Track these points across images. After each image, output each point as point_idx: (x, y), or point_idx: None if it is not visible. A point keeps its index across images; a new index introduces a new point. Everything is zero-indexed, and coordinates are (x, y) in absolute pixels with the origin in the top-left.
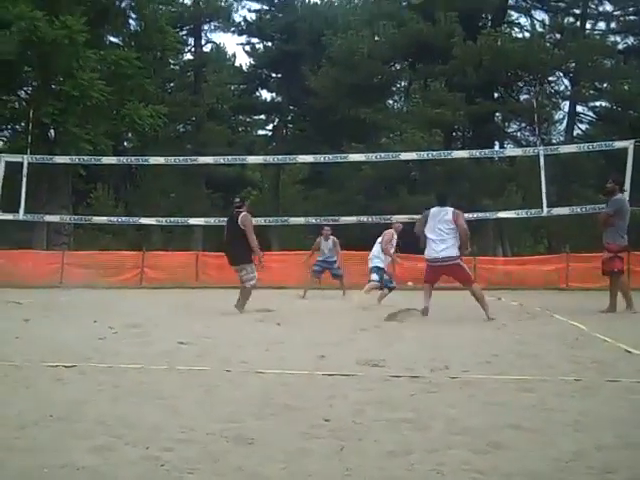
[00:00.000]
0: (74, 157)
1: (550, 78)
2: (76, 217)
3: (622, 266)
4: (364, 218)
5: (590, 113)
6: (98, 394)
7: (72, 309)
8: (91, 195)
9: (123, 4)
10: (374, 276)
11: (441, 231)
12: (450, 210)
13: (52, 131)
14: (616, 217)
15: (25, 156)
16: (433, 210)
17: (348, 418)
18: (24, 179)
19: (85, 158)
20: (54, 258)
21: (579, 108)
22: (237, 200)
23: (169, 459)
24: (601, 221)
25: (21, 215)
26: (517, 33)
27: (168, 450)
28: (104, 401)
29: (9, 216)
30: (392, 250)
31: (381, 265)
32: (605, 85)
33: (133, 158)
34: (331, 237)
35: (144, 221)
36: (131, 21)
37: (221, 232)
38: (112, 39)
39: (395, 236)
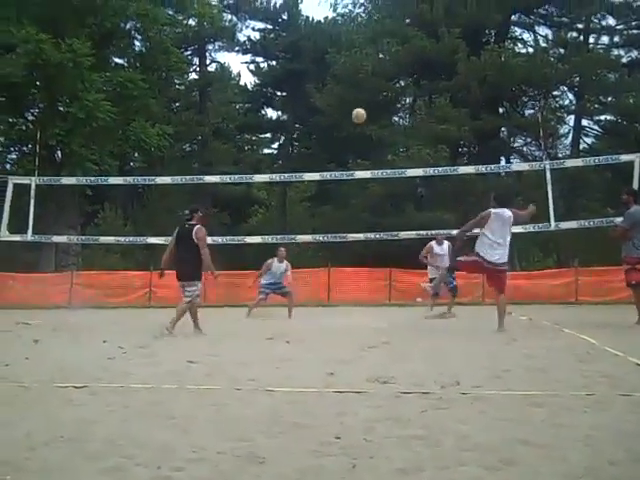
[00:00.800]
0: (81, 178)
1: (555, 92)
2: (84, 237)
3: (639, 278)
4: (371, 235)
5: (595, 127)
6: (108, 414)
7: (81, 329)
8: (98, 215)
9: (128, 26)
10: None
11: (506, 235)
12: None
13: (59, 152)
14: (632, 230)
15: (33, 178)
16: (498, 211)
17: (359, 435)
18: (32, 200)
19: (92, 178)
20: (62, 279)
21: (584, 122)
22: (187, 212)
23: (180, 478)
24: (618, 235)
25: (29, 236)
26: (521, 48)
27: (179, 470)
28: (115, 421)
29: (17, 237)
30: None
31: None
32: (610, 99)
33: (140, 178)
34: (285, 260)
35: (151, 240)
36: (136, 42)
37: (229, 251)
38: (117, 60)
39: (434, 247)
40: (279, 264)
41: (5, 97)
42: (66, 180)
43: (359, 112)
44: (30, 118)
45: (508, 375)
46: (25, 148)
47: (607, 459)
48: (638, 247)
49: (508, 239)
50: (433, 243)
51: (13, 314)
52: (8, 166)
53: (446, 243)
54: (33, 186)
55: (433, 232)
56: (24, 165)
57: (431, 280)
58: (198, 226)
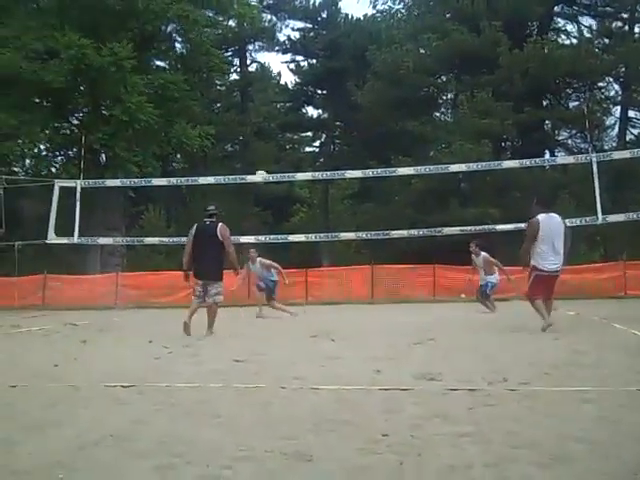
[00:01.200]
0: (125, 180)
1: (600, 84)
2: (128, 239)
3: None
4: (414, 231)
5: None
6: (156, 414)
7: (127, 330)
8: (142, 216)
9: (169, 28)
10: None
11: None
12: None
13: (103, 155)
14: None
15: (78, 181)
16: (545, 217)
17: (406, 433)
18: (77, 203)
19: (135, 180)
20: (108, 280)
21: (631, 113)
22: (211, 207)
23: (229, 477)
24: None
25: (75, 239)
26: (564, 40)
27: (227, 468)
28: (162, 420)
29: (64, 240)
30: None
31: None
32: None
33: (183, 179)
34: (258, 259)
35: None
36: (177, 44)
37: (272, 250)
38: (159, 63)
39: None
40: (253, 265)
41: (50, 102)
42: (110, 182)
43: None
44: (75, 122)
45: (557, 371)
46: (70, 152)
47: None
48: None
49: (560, 245)
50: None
51: (61, 315)
52: (54, 170)
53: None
54: (78, 189)
55: (477, 228)
56: (69, 169)
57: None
58: (221, 223)
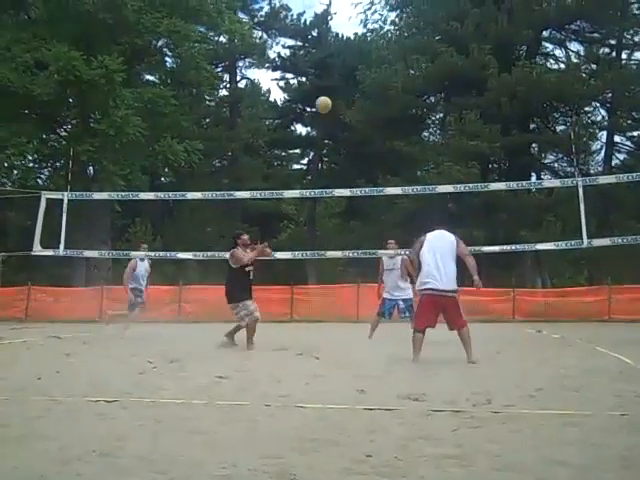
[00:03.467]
0: (112, 193)
1: (586, 108)
2: (114, 252)
3: None
4: (401, 251)
5: (628, 143)
6: (140, 429)
7: (111, 343)
8: (129, 230)
9: (159, 43)
10: None
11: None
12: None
13: (91, 168)
14: None
15: (65, 193)
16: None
17: (390, 453)
18: (64, 215)
19: (123, 193)
20: (93, 293)
21: (617, 138)
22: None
23: None
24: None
25: (61, 251)
26: (552, 64)
27: None
28: (146, 436)
29: (49, 252)
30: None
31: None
32: None
33: (170, 193)
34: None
35: (181, 255)
36: (167, 59)
37: (259, 266)
38: (148, 77)
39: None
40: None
41: (38, 114)
42: (98, 195)
43: (323, 101)
44: (63, 134)
45: (541, 394)
46: (58, 164)
47: None
48: None
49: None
50: (385, 257)
51: (44, 328)
52: (41, 181)
53: (399, 257)
54: (65, 201)
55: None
56: (56, 181)
57: (384, 301)
58: (232, 250)
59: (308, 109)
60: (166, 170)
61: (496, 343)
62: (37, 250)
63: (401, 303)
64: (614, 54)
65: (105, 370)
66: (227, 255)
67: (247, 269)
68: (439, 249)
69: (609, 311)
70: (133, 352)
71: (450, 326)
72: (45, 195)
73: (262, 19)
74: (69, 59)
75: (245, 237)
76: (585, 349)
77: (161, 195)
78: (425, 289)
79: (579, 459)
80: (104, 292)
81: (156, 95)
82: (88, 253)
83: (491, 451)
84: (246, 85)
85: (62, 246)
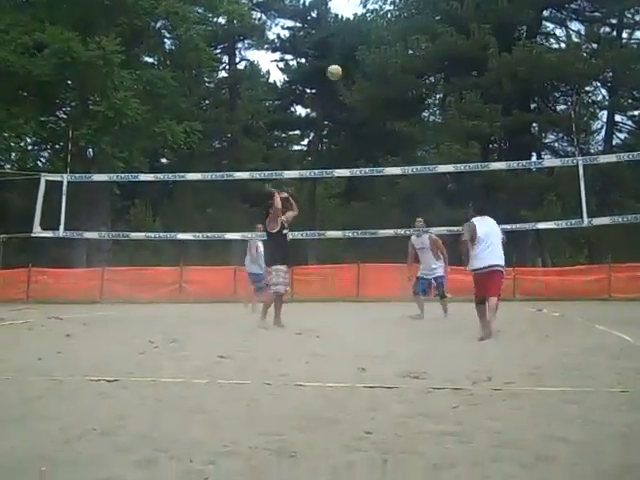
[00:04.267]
0: (112, 175)
1: (587, 88)
2: (114, 233)
3: None
4: (401, 231)
5: (629, 122)
6: (141, 408)
7: (112, 324)
8: (129, 212)
9: (158, 24)
10: None
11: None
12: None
13: (90, 150)
14: None
15: (65, 175)
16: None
17: (390, 431)
18: (64, 197)
19: (123, 175)
20: (94, 274)
21: (617, 117)
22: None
23: (212, 472)
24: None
25: (61, 232)
26: (553, 44)
27: (211, 463)
28: (147, 415)
29: (49, 233)
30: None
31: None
32: None
33: (170, 175)
34: None
35: (181, 236)
36: (166, 40)
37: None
38: (147, 59)
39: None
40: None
41: (37, 96)
42: (97, 177)
43: (334, 69)
44: (62, 116)
45: (541, 372)
46: (57, 146)
47: None
48: None
49: (495, 241)
50: (413, 237)
51: (45, 309)
52: (40, 164)
53: (426, 235)
54: (65, 183)
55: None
56: (55, 163)
57: (419, 280)
58: (270, 215)
59: (308, 90)
60: (165, 151)
61: (497, 322)
62: (37, 232)
63: (434, 282)
64: (615, 33)
65: (106, 350)
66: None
67: (284, 232)
68: (489, 232)
69: (609, 289)
70: (134, 333)
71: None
72: (44, 177)
73: (261, 0)
74: (65, 40)
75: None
76: (585, 327)
77: (160, 176)
78: (480, 267)
79: (579, 436)
80: (104, 273)
81: (155, 77)
82: (88, 234)
83: (491, 428)
84: (245, 66)
85: (62, 227)
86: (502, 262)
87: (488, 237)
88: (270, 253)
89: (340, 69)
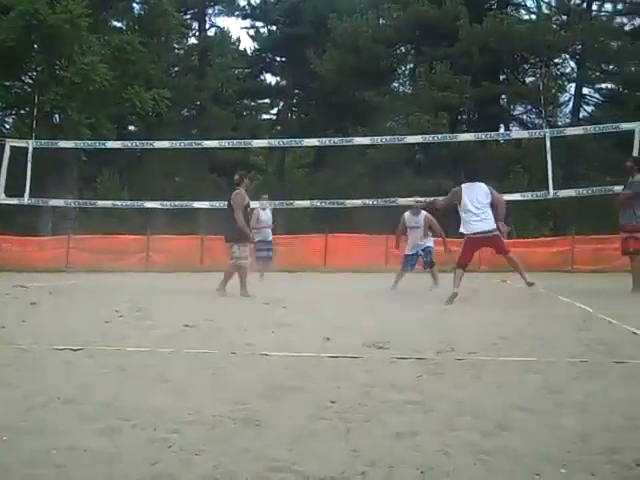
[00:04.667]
0: (79, 142)
1: (556, 60)
2: (81, 201)
3: (638, 246)
4: (369, 201)
5: (596, 95)
6: (105, 377)
7: (78, 293)
8: (97, 180)
9: None
10: None
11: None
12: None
13: (56, 116)
14: (635, 199)
15: (30, 141)
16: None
17: (354, 400)
18: (29, 164)
19: (90, 142)
20: (59, 242)
21: (585, 90)
22: (235, 177)
23: (176, 441)
24: (620, 202)
25: (26, 199)
26: (523, 15)
27: (175, 432)
28: (111, 384)
29: (14, 200)
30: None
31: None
32: (611, 67)
33: (138, 142)
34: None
35: (149, 205)
36: (135, 5)
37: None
38: (116, 23)
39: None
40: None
41: (1, 60)
42: (63, 144)
43: None
44: (27, 81)
45: (504, 342)
46: (22, 111)
47: (602, 425)
48: (638, 216)
49: (483, 207)
50: (407, 214)
51: (10, 277)
52: (5, 129)
53: (423, 214)
54: (30, 149)
55: (432, 199)
56: (21, 128)
57: (406, 257)
58: (237, 191)
59: (278, 58)
60: (134, 119)
61: (462, 292)
62: (1, 199)
63: (421, 252)
64: (585, 5)
65: (71, 319)
66: (197, 204)
67: (248, 209)
68: (476, 198)
69: (572, 261)
70: (100, 301)
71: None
72: (9, 143)
73: None
74: (31, 3)
75: (247, 180)
76: (549, 299)
77: (128, 144)
78: (471, 233)
79: (538, 404)
80: (71, 241)
81: (123, 42)
82: (54, 202)
83: (453, 397)
84: (215, 33)
85: (27, 195)
86: (492, 226)
87: (473, 203)
88: (233, 227)
89: None
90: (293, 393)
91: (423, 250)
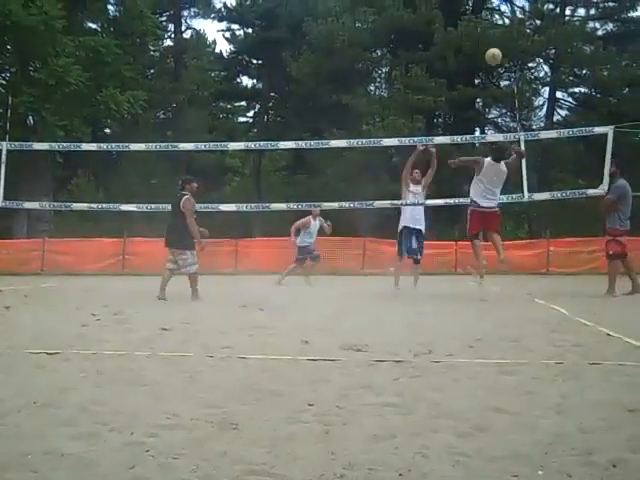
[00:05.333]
0: (54, 144)
1: (530, 64)
2: (56, 204)
3: (618, 249)
4: (345, 204)
5: (570, 99)
6: (82, 381)
7: (54, 296)
8: (72, 182)
9: None
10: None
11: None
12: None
13: (31, 118)
14: (619, 202)
15: (4, 143)
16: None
17: (332, 402)
18: (3, 166)
19: (65, 144)
20: (34, 245)
21: (559, 94)
22: (179, 182)
23: (154, 445)
24: (605, 206)
25: (0, 202)
26: (497, 20)
27: (153, 436)
28: (88, 388)
29: None
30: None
31: None
32: (585, 71)
33: (113, 144)
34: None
35: (125, 207)
36: (110, 6)
37: (203, 219)
38: (90, 25)
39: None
40: (315, 222)
41: None
42: (38, 146)
43: (493, 52)
44: (1, 82)
45: (480, 344)
46: None
47: (578, 427)
48: (622, 220)
49: (498, 193)
50: (310, 218)
51: None
52: None
53: (319, 220)
54: (4, 151)
55: (408, 202)
56: None
57: (297, 260)
58: (187, 196)
59: (254, 61)
60: (109, 121)
61: (438, 295)
62: None
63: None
64: (558, 10)
65: (47, 323)
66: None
67: (195, 217)
68: (493, 177)
69: (547, 264)
70: (76, 305)
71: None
72: None
73: None
74: (4, 3)
75: (195, 185)
76: (524, 301)
77: (104, 146)
78: (476, 207)
79: (514, 406)
80: (46, 244)
81: (98, 44)
82: (28, 205)
83: (430, 399)
84: (191, 35)
85: (1, 197)
86: (495, 204)
87: (490, 181)
88: (186, 234)
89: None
90: (271, 396)
91: (417, 237)
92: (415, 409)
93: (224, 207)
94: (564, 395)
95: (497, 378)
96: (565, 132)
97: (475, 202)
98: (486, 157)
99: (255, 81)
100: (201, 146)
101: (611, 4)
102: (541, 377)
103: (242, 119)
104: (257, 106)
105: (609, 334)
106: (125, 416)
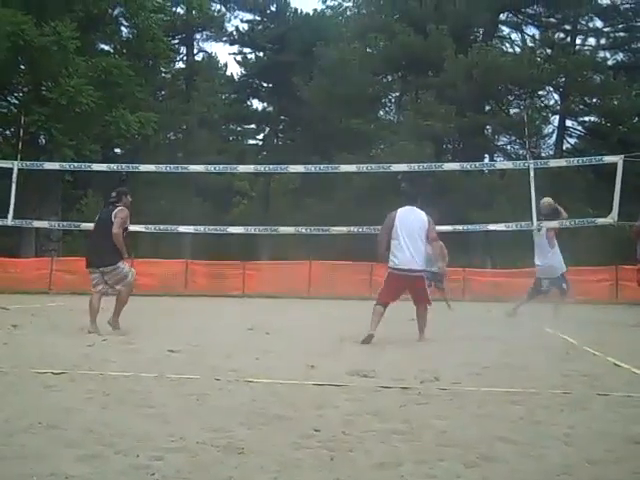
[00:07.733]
0: (64, 163)
1: (540, 92)
2: (65, 223)
3: None
4: (354, 228)
5: (579, 127)
6: (87, 402)
7: (61, 315)
8: (81, 201)
9: (115, 12)
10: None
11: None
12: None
13: (42, 137)
14: None
15: (15, 162)
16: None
17: (338, 428)
18: (13, 185)
19: (75, 164)
20: (43, 264)
21: (568, 122)
22: (113, 195)
23: (159, 468)
24: (634, 233)
25: (9, 220)
26: (508, 48)
27: (158, 459)
28: (94, 409)
29: None
30: None
31: None
32: (594, 100)
33: (124, 165)
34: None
35: (133, 228)
36: (123, 28)
37: (211, 241)
38: (103, 46)
39: None
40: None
41: None
42: (49, 165)
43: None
44: (13, 102)
45: (488, 372)
46: (7, 132)
47: (585, 458)
48: None
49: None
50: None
51: None
52: None
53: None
54: (15, 170)
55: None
56: (5, 149)
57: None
58: (121, 207)
59: (265, 84)
60: (119, 141)
61: (445, 322)
62: None
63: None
64: (569, 39)
65: (53, 342)
66: (182, 228)
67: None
68: (407, 227)
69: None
70: (83, 324)
71: (414, 303)
72: None
73: None
74: (18, 23)
75: (130, 199)
76: (533, 329)
77: (114, 167)
78: (393, 268)
79: (522, 436)
80: (54, 263)
81: (111, 65)
82: (37, 223)
83: (437, 427)
84: (203, 58)
85: (11, 216)
86: (418, 266)
87: (403, 232)
88: (114, 248)
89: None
90: (277, 421)
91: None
92: (421, 436)
93: (232, 229)
94: (571, 426)
95: (504, 407)
96: (574, 161)
97: None
98: None
99: (265, 104)
100: (211, 168)
101: (622, 34)
102: (549, 407)
103: (252, 142)
104: (267, 129)
105: (617, 364)
106: (131, 438)
